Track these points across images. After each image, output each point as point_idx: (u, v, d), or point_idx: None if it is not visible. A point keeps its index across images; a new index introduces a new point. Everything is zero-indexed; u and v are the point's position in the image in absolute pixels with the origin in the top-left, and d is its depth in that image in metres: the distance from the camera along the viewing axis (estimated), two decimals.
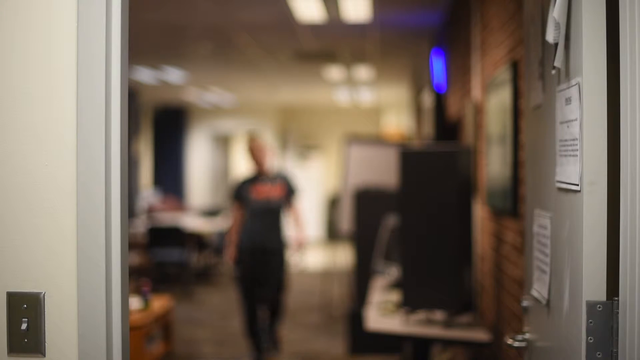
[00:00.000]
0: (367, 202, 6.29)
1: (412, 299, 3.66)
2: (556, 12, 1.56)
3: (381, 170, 6.90)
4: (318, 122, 15.15)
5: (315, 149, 15.33)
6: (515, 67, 3.27)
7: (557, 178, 1.66)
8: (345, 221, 7.02)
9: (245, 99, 13.61)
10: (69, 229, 1.44)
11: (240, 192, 5.88)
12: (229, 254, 6.01)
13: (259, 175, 5.87)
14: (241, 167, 15.97)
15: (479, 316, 4.16)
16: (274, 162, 6.31)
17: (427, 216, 3.63)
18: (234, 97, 13.24)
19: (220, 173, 15.34)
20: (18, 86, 1.45)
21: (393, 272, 4.87)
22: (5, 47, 1.45)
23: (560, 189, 1.64)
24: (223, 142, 15.67)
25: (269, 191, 5.81)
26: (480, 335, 3.61)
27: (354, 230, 6.60)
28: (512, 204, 3.29)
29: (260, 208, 5.78)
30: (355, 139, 7.82)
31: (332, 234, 13.13)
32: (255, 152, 5.87)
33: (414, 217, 3.67)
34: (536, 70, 1.90)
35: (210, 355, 6.23)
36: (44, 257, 1.44)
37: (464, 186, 3.72)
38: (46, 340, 1.44)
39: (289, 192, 5.94)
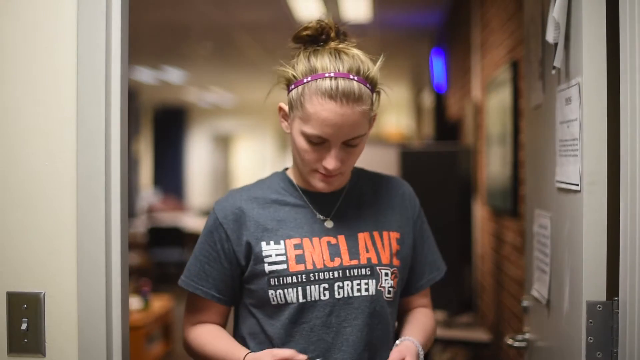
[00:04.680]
0: None
1: None
2: (556, 12, 1.56)
3: (381, 170, 6.88)
4: None
5: None
6: (515, 67, 3.27)
7: (557, 178, 1.66)
8: None
9: (245, 99, 13.60)
10: (69, 229, 1.44)
11: (222, 260, 1.59)
12: None
13: (310, 189, 1.61)
14: (242, 167, 16.01)
15: (479, 316, 4.16)
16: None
17: (426, 216, 3.63)
18: (234, 97, 13.23)
19: (220, 173, 15.34)
20: (18, 86, 1.45)
21: None
22: (5, 47, 1.45)
23: (560, 189, 1.64)
24: (223, 142, 15.67)
25: (350, 251, 1.57)
26: (480, 335, 3.61)
27: None
28: (512, 204, 3.29)
29: (317, 311, 1.54)
30: None
31: None
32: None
33: None
34: (536, 70, 1.90)
35: None
36: (44, 257, 1.44)
37: (464, 186, 3.72)
38: (46, 340, 1.44)
39: (420, 256, 1.71)
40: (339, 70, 1.47)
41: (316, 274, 1.53)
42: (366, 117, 1.51)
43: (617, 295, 1.41)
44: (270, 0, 5.80)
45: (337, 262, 1.54)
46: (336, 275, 1.53)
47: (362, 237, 1.58)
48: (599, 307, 1.44)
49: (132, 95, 11.00)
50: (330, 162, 1.49)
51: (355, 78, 1.48)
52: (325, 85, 1.45)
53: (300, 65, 1.51)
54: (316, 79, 1.47)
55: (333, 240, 1.57)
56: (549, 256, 1.77)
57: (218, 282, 1.60)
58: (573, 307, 1.53)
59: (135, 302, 4.95)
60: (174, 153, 14.18)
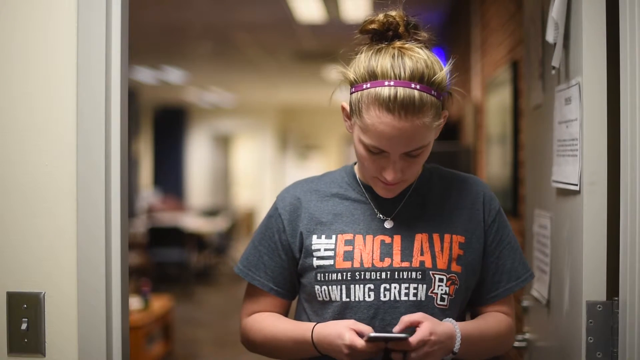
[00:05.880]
0: None
1: None
2: (555, 12, 1.56)
3: None
4: (318, 122, 15.15)
5: (315, 149, 15.33)
6: (515, 67, 3.27)
7: (554, 178, 1.66)
8: None
9: (245, 99, 13.60)
10: (69, 229, 1.44)
11: (285, 249, 1.56)
12: None
13: (368, 188, 1.55)
14: (242, 167, 16.01)
15: None
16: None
17: None
18: (234, 97, 13.23)
19: (220, 173, 15.34)
20: (18, 86, 1.45)
21: None
22: (5, 47, 1.45)
23: (560, 189, 1.64)
24: (223, 142, 15.68)
25: (406, 251, 1.48)
26: None
27: None
28: (512, 204, 3.29)
29: (360, 312, 1.47)
30: None
31: None
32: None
33: None
34: (536, 70, 1.90)
35: (210, 355, 6.23)
36: (44, 257, 1.44)
37: None
38: (46, 340, 1.44)
39: (493, 263, 1.53)
40: (399, 78, 1.37)
41: (362, 273, 1.46)
42: (428, 128, 1.39)
43: (617, 295, 1.41)
44: (270, 0, 5.80)
45: (386, 263, 1.46)
46: (384, 276, 1.45)
47: (419, 239, 1.48)
48: (599, 307, 1.44)
49: (132, 95, 11.01)
50: (389, 174, 1.42)
51: (418, 87, 1.37)
52: (383, 96, 1.36)
53: (361, 67, 1.43)
54: (375, 87, 1.38)
55: (387, 240, 1.48)
56: (549, 256, 1.77)
57: (276, 274, 1.56)
58: (573, 307, 1.53)
59: (135, 302, 4.95)
60: (174, 153, 14.18)
